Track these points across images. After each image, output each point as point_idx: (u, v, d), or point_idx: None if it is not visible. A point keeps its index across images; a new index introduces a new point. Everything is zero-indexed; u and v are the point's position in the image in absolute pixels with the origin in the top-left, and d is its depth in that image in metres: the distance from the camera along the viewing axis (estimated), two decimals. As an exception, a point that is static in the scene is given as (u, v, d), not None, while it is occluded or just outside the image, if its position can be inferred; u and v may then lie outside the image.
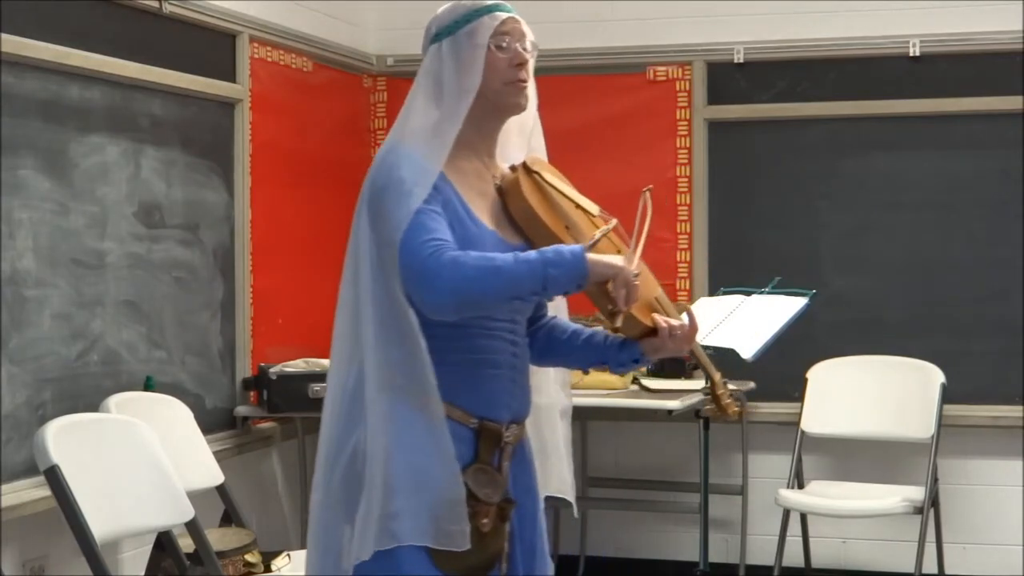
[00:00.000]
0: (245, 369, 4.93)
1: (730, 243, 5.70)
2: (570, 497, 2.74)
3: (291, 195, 5.20)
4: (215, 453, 4.43)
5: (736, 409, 2.68)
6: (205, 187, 4.75)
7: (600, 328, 2.66)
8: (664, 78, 5.74)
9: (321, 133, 5.41)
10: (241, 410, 4.89)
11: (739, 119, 5.70)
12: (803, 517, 5.37)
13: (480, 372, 2.48)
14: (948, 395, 5.18)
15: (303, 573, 2.56)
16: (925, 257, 5.51)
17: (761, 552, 5.49)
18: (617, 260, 2.41)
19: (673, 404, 4.81)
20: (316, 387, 4.65)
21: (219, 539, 4.20)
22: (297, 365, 4.91)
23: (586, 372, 2.74)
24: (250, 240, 4.96)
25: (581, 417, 5.82)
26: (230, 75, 4.91)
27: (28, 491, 3.82)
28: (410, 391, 2.39)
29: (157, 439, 3.91)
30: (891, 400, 5.29)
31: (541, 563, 2.62)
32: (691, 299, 5.51)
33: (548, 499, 2.70)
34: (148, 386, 4.35)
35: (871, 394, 5.33)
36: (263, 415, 4.89)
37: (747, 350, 4.40)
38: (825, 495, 5.19)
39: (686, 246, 5.72)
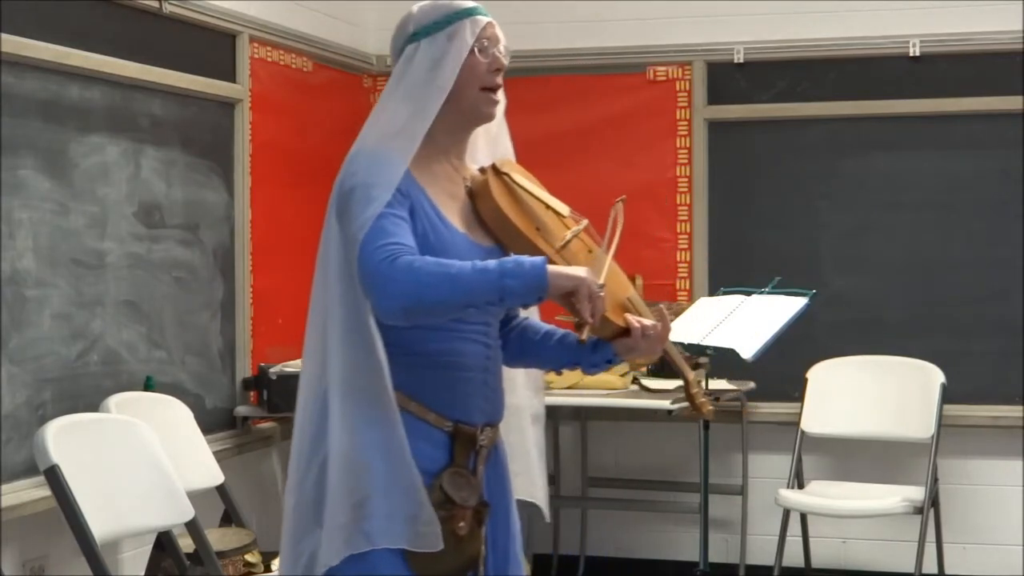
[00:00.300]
0: (245, 369, 4.93)
1: (730, 243, 5.71)
2: (541, 502, 2.72)
3: (291, 195, 5.20)
4: (215, 453, 4.44)
5: (710, 408, 2.66)
6: (205, 187, 4.75)
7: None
8: (664, 78, 5.74)
9: (321, 133, 5.41)
10: (241, 410, 4.89)
11: (739, 119, 5.70)
12: (803, 517, 5.37)
13: (454, 375, 2.47)
14: (948, 395, 5.18)
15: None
16: (925, 257, 5.51)
17: (761, 552, 5.49)
18: (580, 272, 2.38)
19: (672, 404, 4.80)
20: (316, 387, 4.64)
21: (219, 539, 4.20)
22: (297, 365, 4.85)
23: (559, 373, 2.74)
24: (250, 240, 4.96)
25: (581, 417, 5.83)
26: (230, 75, 4.91)
27: (28, 491, 3.82)
28: (372, 392, 2.38)
29: (157, 439, 3.91)
30: (891, 400, 5.29)
31: (514, 565, 2.61)
32: (691, 299, 5.51)
33: (518, 502, 2.68)
34: (148, 386, 4.35)
35: (871, 394, 5.33)
36: (263, 415, 4.89)
37: (747, 350, 4.40)
38: (825, 495, 5.19)
39: (686, 246, 5.72)
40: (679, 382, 5.16)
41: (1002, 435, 5.40)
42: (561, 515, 5.89)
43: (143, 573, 4.14)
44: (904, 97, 5.51)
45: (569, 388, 5.17)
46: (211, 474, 4.34)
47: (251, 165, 4.97)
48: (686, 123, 5.72)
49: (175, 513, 3.87)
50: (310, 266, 2.52)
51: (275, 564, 4.15)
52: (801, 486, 5.31)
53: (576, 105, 5.79)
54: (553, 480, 5.89)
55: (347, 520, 2.36)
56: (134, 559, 4.30)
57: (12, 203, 3.83)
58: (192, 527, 3.95)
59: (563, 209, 2.63)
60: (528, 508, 2.73)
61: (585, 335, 2.40)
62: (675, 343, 4.55)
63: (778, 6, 5.60)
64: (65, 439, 3.63)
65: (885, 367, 5.36)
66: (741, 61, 5.64)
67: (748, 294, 4.70)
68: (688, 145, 5.71)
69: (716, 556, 5.40)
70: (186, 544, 3.99)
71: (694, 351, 4.67)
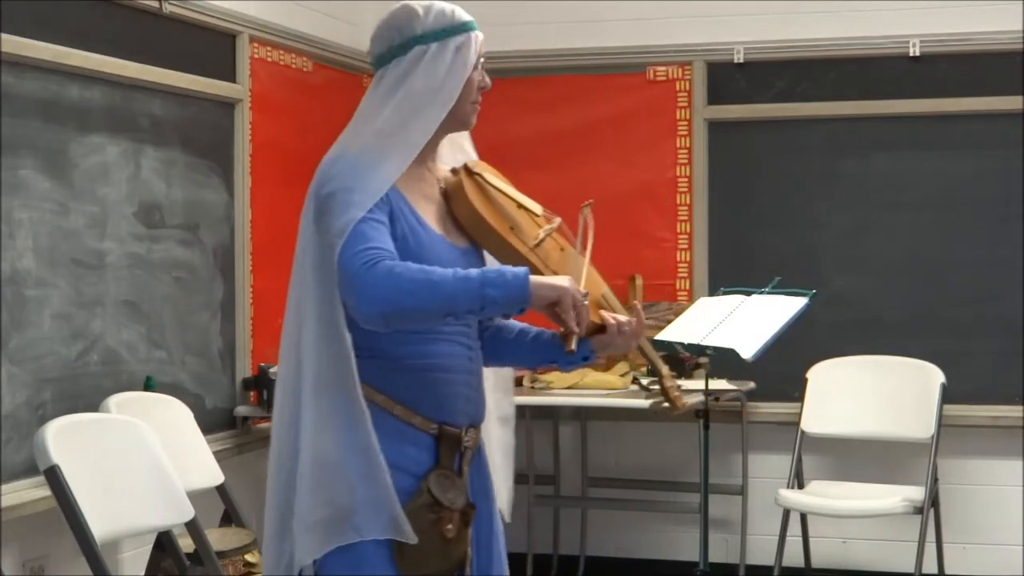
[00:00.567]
0: (245, 369, 4.93)
1: (730, 243, 5.71)
2: (503, 504, 2.71)
3: (291, 195, 5.16)
4: (215, 453, 4.44)
5: (685, 401, 2.67)
6: (205, 187, 4.75)
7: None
8: (664, 78, 5.74)
9: (321, 133, 5.36)
10: (241, 410, 4.89)
11: (739, 119, 5.70)
12: (803, 517, 5.37)
13: (437, 377, 2.48)
14: (948, 395, 5.18)
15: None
16: (925, 257, 5.51)
17: (761, 552, 5.49)
18: (563, 281, 2.39)
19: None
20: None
21: (219, 539, 4.20)
22: (297, 365, 4.90)
23: (535, 371, 2.75)
24: (250, 240, 4.96)
25: (581, 417, 5.83)
26: (230, 75, 4.91)
27: (28, 491, 3.82)
28: (344, 391, 2.38)
29: (157, 439, 3.91)
30: (891, 400, 5.29)
31: (498, 565, 2.62)
32: (691, 299, 5.51)
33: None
34: (148, 386, 4.35)
35: (871, 394, 5.33)
36: (263, 415, 4.88)
37: (747, 350, 4.39)
38: (825, 495, 5.19)
39: (686, 246, 5.72)
40: (679, 382, 5.20)
41: (1002, 435, 5.41)
42: (561, 515, 5.89)
43: (143, 573, 4.13)
44: (904, 97, 5.51)
45: (569, 388, 5.17)
46: (211, 474, 4.34)
47: (251, 165, 4.97)
48: (686, 123, 5.72)
49: (175, 513, 3.87)
50: (310, 266, 2.52)
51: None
52: (801, 486, 5.30)
53: (576, 105, 5.79)
54: (553, 480, 5.90)
55: (329, 515, 2.37)
56: (134, 559, 4.30)
57: (12, 203, 3.83)
58: (192, 527, 3.95)
59: (536, 208, 2.64)
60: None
61: (573, 345, 2.41)
62: (676, 343, 4.59)
63: (778, 6, 5.60)
64: (65, 439, 3.63)
65: (885, 367, 5.36)
66: (741, 61, 5.64)
67: (748, 294, 4.69)
68: (688, 145, 5.71)
69: (716, 556, 5.40)
70: (186, 544, 3.99)
71: (694, 351, 4.67)
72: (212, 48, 4.83)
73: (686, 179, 5.72)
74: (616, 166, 5.76)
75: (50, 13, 4.00)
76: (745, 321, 4.54)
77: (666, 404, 2.62)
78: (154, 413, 4.16)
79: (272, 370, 4.82)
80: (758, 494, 5.50)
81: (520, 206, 2.61)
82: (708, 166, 5.71)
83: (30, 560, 3.93)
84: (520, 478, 5.71)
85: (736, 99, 5.68)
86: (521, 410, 5.91)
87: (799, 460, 5.31)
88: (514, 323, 2.68)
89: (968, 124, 5.47)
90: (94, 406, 4.08)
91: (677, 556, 5.71)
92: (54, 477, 3.55)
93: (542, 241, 2.51)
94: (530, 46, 5.72)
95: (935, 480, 5.09)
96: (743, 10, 5.63)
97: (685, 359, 5.27)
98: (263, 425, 5.02)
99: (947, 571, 5.26)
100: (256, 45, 5.03)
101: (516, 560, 5.66)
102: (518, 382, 5.13)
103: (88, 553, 3.55)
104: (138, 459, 3.84)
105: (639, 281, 5.67)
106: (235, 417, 4.89)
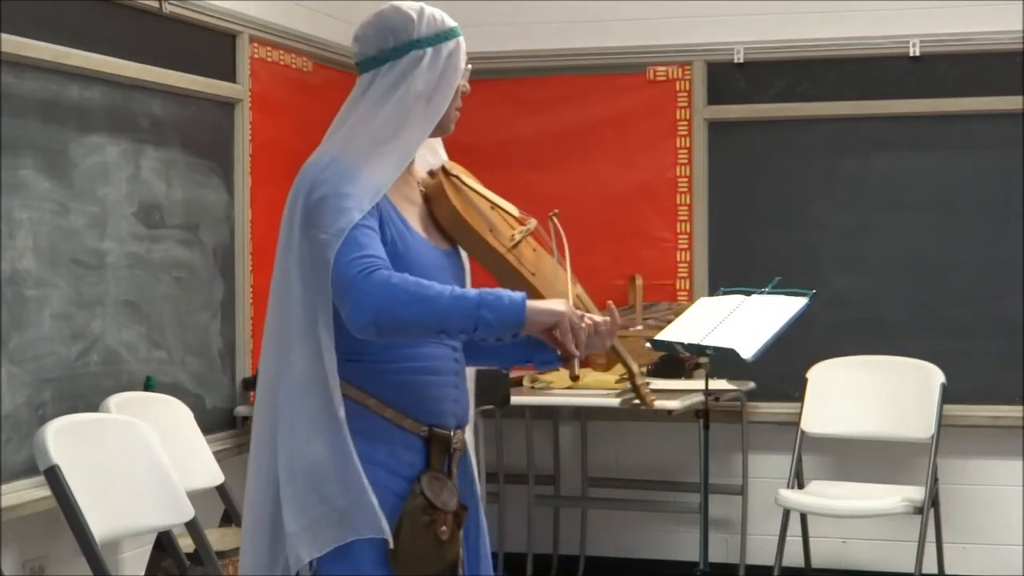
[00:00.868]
0: (245, 369, 4.93)
1: (730, 243, 5.71)
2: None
3: (291, 195, 5.19)
4: (215, 453, 4.44)
5: (654, 399, 2.69)
6: (205, 187, 4.75)
7: None
8: (664, 78, 5.74)
9: (321, 133, 5.35)
10: (241, 410, 4.89)
11: (739, 119, 5.70)
12: (803, 517, 5.37)
13: (426, 379, 2.48)
14: (948, 395, 5.18)
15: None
16: (925, 257, 5.51)
17: (761, 552, 5.49)
18: (559, 306, 2.39)
19: (673, 404, 4.80)
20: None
21: (219, 539, 4.20)
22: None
23: (507, 370, 2.75)
24: (250, 240, 4.96)
25: (581, 417, 5.83)
26: (230, 75, 4.91)
27: (28, 491, 3.82)
28: (326, 393, 2.37)
29: (157, 439, 3.91)
30: (891, 400, 5.29)
31: (485, 565, 2.63)
32: (691, 299, 5.51)
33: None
34: (148, 386, 4.35)
35: (871, 394, 5.33)
36: (263, 415, 4.88)
37: (747, 350, 4.39)
38: (825, 495, 5.19)
39: (686, 246, 5.72)
40: (679, 382, 5.21)
41: (1002, 435, 5.41)
42: (561, 515, 5.89)
43: (143, 573, 4.13)
44: (904, 97, 5.51)
45: (569, 388, 5.17)
46: (211, 474, 4.34)
47: (251, 165, 4.97)
48: (686, 123, 5.72)
49: (175, 513, 3.87)
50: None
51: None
52: (801, 486, 5.30)
53: (576, 105, 5.79)
54: (553, 480, 5.90)
55: (325, 514, 2.36)
56: (134, 559, 4.30)
57: (12, 203, 3.83)
58: (192, 527, 3.94)
59: (512, 210, 2.66)
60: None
61: (576, 370, 2.42)
62: (676, 343, 4.59)
63: (778, 6, 5.60)
64: (65, 439, 3.63)
65: (885, 367, 5.36)
66: (741, 61, 5.64)
67: (748, 294, 4.69)
68: (688, 145, 5.71)
69: (716, 556, 5.40)
70: (186, 544, 3.99)
71: (694, 351, 4.67)
72: (212, 48, 4.83)
73: (686, 179, 5.72)
74: (616, 166, 5.77)
75: (50, 13, 4.00)
76: (745, 321, 4.53)
77: (636, 401, 2.64)
78: (154, 413, 4.16)
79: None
80: (758, 494, 5.50)
81: (493, 206, 2.63)
82: (708, 166, 5.71)
83: (30, 560, 3.93)
84: (520, 478, 5.75)
85: (736, 99, 5.68)
86: (521, 410, 5.97)
87: (799, 460, 5.31)
88: None
89: (968, 124, 5.47)
90: (94, 406, 4.08)
91: (677, 556, 5.71)
92: (54, 477, 3.55)
93: (518, 243, 2.53)
94: (530, 46, 5.72)
95: (935, 480, 5.09)
96: (743, 10, 5.63)
97: (685, 359, 5.27)
98: (263, 425, 5.02)
99: (947, 571, 5.26)
100: (256, 45, 5.03)
101: (516, 560, 5.69)
102: (518, 382, 5.13)
103: (88, 553, 3.55)
104: (138, 459, 3.83)
105: (639, 281, 5.67)
106: (235, 417, 4.89)
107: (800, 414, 5.33)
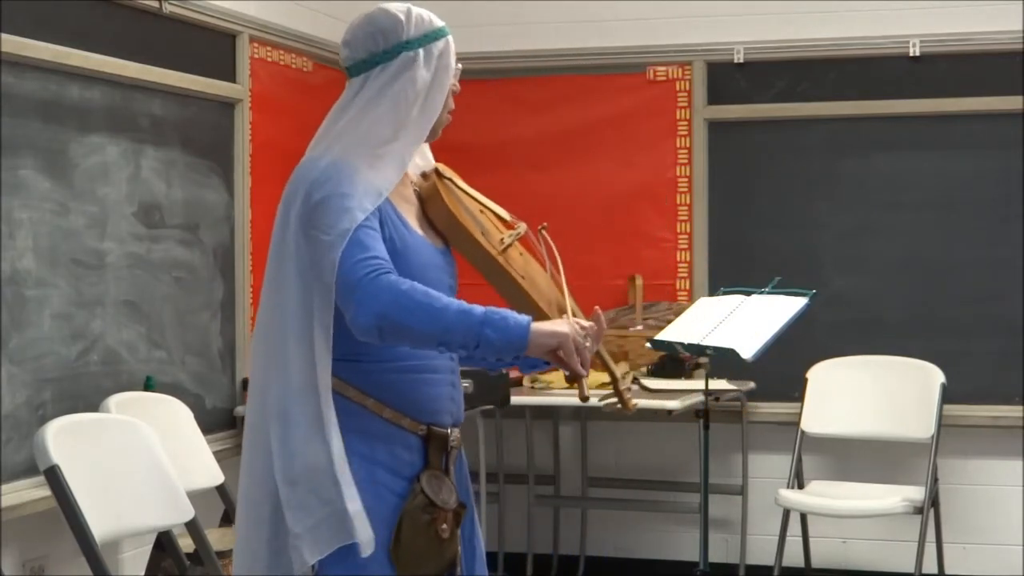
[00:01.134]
0: (245, 369, 4.93)
1: (730, 243, 5.71)
2: None
3: (291, 195, 5.19)
4: (215, 453, 4.44)
5: (635, 403, 2.70)
6: (205, 187, 4.75)
7: None
8: (664, 78, 5.74)
9: (321, 133, 5.40)
10: (241, 410, 4.89)
11: (739, 119, 5.70)
12: (803, 517, 5.37)
13: (423, 378, 2.48)
14: (948, 395, 5.18)
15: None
16: (925, 257, 5.51)
17: (761, 552, 5.49)
18: (562, 327, 2.38)
19: (673, 404, 4.81)
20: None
21: (219, 539, 4.20)
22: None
23: (492, 373, 2.75)
24: (250, 240, 4.96)
25: (581, 417, 5.83)
26: (230, 75, 4.91)
27: (28, 491, 3.82)
28: (327, 393, 2.38)
29: (157, 439, 3.91)
30: (891, 400, 5.29)
31: (480, 564, 2.64)
32: (691, 299, 5.51)
33: None
34: (148, 386, 4.36)
35: (871, 394, 5.33)
36: (263, 415, 4.88)
37: (747, 350, 4.39)
38: (825, 495, 5.19)
39: (686, 246, 5.72)
40: (679, 382, 5.21)
41: (1002, 435, 5.40)
42: (561, 515, 5.89)
43: (143, 573, 4.14)
44: (904, 97, 5.51)
45: (569, 388, 5.16)
46: (211, 474, 4.34)
47: (251, 165, 4.97)
48: (686, 123, 5.72)
49: (175, 513, 3.87)
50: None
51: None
52: (801, 486, 5.30)
53: (576, 105, 5.79)
54: (553, 480, 5.90)
55: (328, 515, 2.36)
56: (134, 559, 4.30)
57: (12, 203, 3.83)
58: (192, 527, 3.95)
59: (503, 213, 2.68)
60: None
61: (586, 391, 2.42)
62: (676, 343, 4.59)
63: (778, 6, 5.60)
64: (65, 439, 3.63)
65: (885, 367, 5.36)
66: (741, 61, 5.64)
67: (748, 294, 4.69)
68: (688, 145, 5.71)
69: (716, 556, 5.40)
70: (186, 544, 3.99)
71: (694, 351, 4.67)
72: (212, 48, 4.83)
73: (686, 179, 5.72)
74: (616, 166, 5.77)
75: (50, 13, 4.00)
76: (745, 321, 4.54)
77: (619, 405, 2.65)
78: (154, 413, 4.16)
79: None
80: (758, 494, 5.50)
81: (484, 210, 2.65)
82: (708, 166, 5.71)
83: (30, 560, 3.93)
84: (520, 478, 5.75)
85: (736, 99, 5.68)
86: (521, 410, 5.97)
87: (799, 460, 5.31)
88: None
89: (968, 124, 5.47)
90: (94, 406, 4.08)
91: (677, 556, 5.71)
92: (54, 477, 3.55)
93: (508, 246, 2.55)
94: (530, 46, 5.72)
95: (935, 480, 5.09)
96: (743, 10, 5.63)
97: (685, 359, 5.27)
98: (263, 425, 5.02)
99: (947, 571, 5.26)
100: (256, 45, 5.03)
101: (516, 560, 5.70)
102: (518, 382, 5.13)
103: (88, 553, 3.55)
104: (138, 459, 3.83)
105: (639, 281, 5.67)
106: (235, 417, 4.89)
107: (800, 414, 5.33)
